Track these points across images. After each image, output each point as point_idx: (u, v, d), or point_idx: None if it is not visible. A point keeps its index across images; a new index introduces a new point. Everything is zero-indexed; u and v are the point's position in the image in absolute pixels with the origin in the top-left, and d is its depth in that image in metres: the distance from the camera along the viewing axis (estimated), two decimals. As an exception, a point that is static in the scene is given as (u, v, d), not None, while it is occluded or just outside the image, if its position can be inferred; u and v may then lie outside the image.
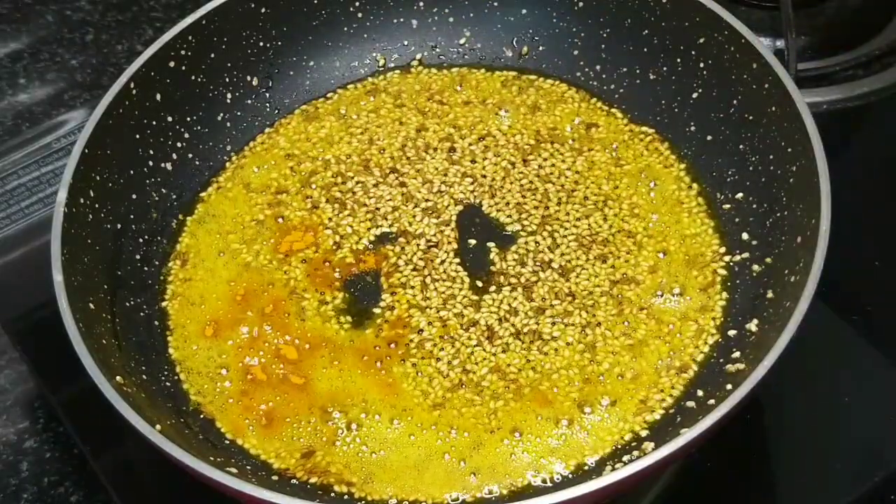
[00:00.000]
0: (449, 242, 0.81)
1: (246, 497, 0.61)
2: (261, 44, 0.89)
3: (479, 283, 0.78)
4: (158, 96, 0.83)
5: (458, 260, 0.80)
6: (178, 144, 0.85)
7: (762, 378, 0.62)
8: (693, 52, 0.83)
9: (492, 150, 0.86)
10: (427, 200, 0.84)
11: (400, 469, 0.69)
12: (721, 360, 0.72)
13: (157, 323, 0.78)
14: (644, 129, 0.86)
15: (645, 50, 0.87)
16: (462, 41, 0.93)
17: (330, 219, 0.83)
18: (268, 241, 0.82)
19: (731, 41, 0.80)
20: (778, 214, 0.75)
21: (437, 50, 0.93)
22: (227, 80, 0.88)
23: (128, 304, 0.77)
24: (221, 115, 0.88)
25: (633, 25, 0.87)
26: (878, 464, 0.73)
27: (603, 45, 0.89)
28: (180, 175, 0.85)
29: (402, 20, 0.93)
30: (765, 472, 0.74)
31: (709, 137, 0.83)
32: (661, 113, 0.86)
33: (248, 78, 0.89)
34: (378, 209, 0.83)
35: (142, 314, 0.78)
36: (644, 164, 0.84)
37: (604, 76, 0.89)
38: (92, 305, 0.72)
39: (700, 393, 0.71)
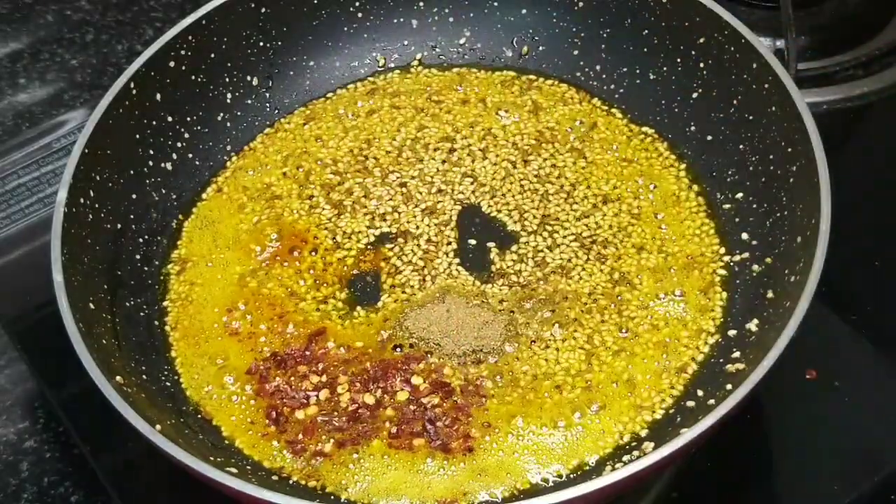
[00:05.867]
0: (449, 242, 0.81)
1: (246, 497, 0.61)
2: (261, 44, 0.89)
3: (479, 283, 0.78)
4: (158, 96, 0.83)
5: (458, 260, 0.80)
6: (178, 144, 0.85)
7: (762, 378, 0.62)
8: (693, 52, 0.83)
9: (492, 151, 0.86)
10: (427, 200, 0.84)
11: (399, 469, 0.69)
12: (721, 360, 0.72)
13: (157, 323, 0.78)
14: (644, 129, 0.86)
15: (645, 50, 0.87)
16: (462, 41, 0.93)
17: (329, 219, 0.83)
18: (266, 242, 0.82)
19: (731, 41, 0.80)
20: (778, 214, 0.75)
21: (437, 50, 0.93)
22: (227, 80, 0.88)
23: (128, 304, 0.77)
24: (221, 115, 0.88)
25: (633, 25, 0.87)
26: (878, 464, 0.73)
27: (603, 45, 0.89)
28: (180, 175, 0.85)
29: (402, 20, 0.93)
30: (765, 472, 0.74)
31: (709, 137, 0.83)
32: (661, 113, 0.86)
33: (248, 78, 0.89)
34: (378, 209, 0.83)
35: (142, 314, 0.78)
36: (644, 164, 0.84)
37: (604, 76, 0.89)
38: (92, 305, 0.72)
39: (700, 393, 0.71)
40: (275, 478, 0.70)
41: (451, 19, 0.93)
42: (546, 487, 0.68)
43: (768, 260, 0.75)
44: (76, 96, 1.04)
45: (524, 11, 0.92)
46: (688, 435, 0.60)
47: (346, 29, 0.92)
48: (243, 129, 0.89)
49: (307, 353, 0.75)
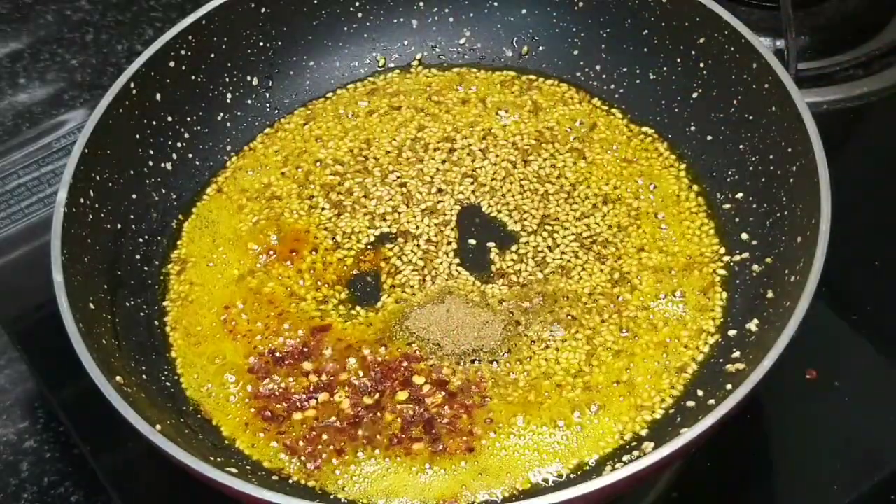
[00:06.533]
0: (449, 242, 0.81)
1: (246, 497, 0.61)
2: (261, 44, 0.89)
3: (479, 283, 0.78)
4: (158, 96, 0.83)
5: (458, 260, 0.80)
6: (178, 144, 0.85)
7: (762, 378, 0.62)
8: (693, 52, 0.83)
9: (492, 151, 0.86)
10: (427, 200, 0.84)
11: (399, 469, 0.69)
12: (721, 360, 0.72)
13: (157, 323, 0.78)
14: (644, 129, 0.86)
15: (645, 50, 0.87)
16: (462, 41, 0.93)
17: (329, 219, 0.83)
18: (266, 242, 0.82)
19: (731, 41, 0.80)
20: (778, 214, 0.75)
21: (437, 50, 0.93)
22: (227, 80, 0.88)
23: (128, 304, 0.77)
24: (221, 115, 0.88)
25: (633, 25, 0.87)
26: (878, 464, 0.73)
27: (603, 45, 0.89)
28: (180, 175, 0.85)
29: (402, 20, 0.93)
30: (765, 472, 0.74)
31: (709, 137, 0.83)
32: (661, 113, 0.86)
33: (248, 78, 0.89)
34: (378, 209, 0.83)
35: (142, 314, 0.78)
36: (644, 165, 0.84)
37: (604, 76, 0.89)
38: (92, 305, 0.72)
39: (700, 393, 0.71)
40: (275, 478, 0.70)
41: (451, 19, 0.93)
42: (546, 487, 0.68)
43: (768, 260, 0.75)
44: (76, 96, 1.04)
45: (524, 11, 0.92)
46: (688, 435, 0.60)
47: (346, 29, 0.92)
48: (243, 129, 0.89)
49: (306, 349, 0.75)
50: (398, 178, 0.85)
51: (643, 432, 0.70)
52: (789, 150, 0.75)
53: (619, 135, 0.86)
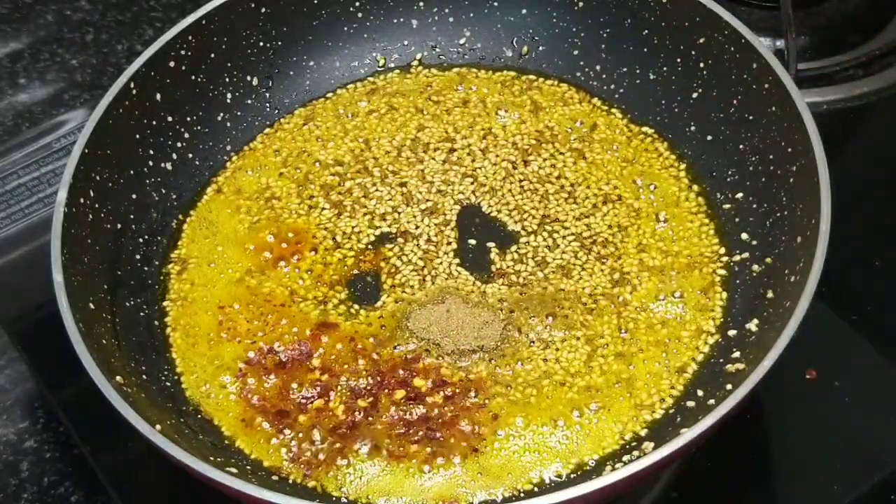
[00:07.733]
0: (449, 242, 0.81)
1: (246, 497, 0.61)
2: (261, 44, 0.89)
3: (479, 283, 0.78)
4: (158, 96, 0.83)
5: (458, 260, 0.80)
6: (178, 144, 0.85)
7: (762, 378, 0.62)
8: (693, 52, 0.83)
9: (492, 151, 0.86)
10: (427, 200, 0.84)
11: (399, 469, 0.69)
12: (721, 360, 0.72)
13: (157, 323, 0.78)
14: (644, 129, 0.86)
15: (645, 50, 0.87)
16: (462, 41, 0.93)
17: (329, 219, 0.83)
18: (266, 241, 0.82)
19: (731, 41, 0.80)
20: (778, 214, 0.75)
21: (437, 50, 0.93)
22: (227, 80, 0.88)
23: (128, 304, 0.77)
24: (221, 115, 0.88)
25: (633, 25, 0.87)
26: (878, 464, 0.73)
27: (603, 45, 0.89)
28: (180, 175, 0.85)
29: (402, 20, 0.93)
30: (765, 472, 0.74)
31: (709, 137, 0.83)
32: (661, 113, 0.86)
33: (248, 78, 0.89)
34: (378, 209, 0.83)
35: (142, 314, 0.78)
36: (644, 165, 0.84)
37: (604, 76, 0.89)
38: (92, 305, 0.72)
39: (700, 393, 0.71)
40: (275, 478, 0.70)
41: (451, 19, 0.93)
42: (546, 487, 0.68)
43: (768, 260, 0.75)
44: (76, 96, 1.04)
45: (524, 11, 0.92)
46: (688, 435, 0.60)
47: (346, 29, 0.92)
48: (243, 129, 0.89)
49: (306, 349, 0.75)
50: (398, 178, 0.85)
51: (643, 432, 0.70)
52: (789, 150, 0.75)
53: (619, 135, 0.86)
